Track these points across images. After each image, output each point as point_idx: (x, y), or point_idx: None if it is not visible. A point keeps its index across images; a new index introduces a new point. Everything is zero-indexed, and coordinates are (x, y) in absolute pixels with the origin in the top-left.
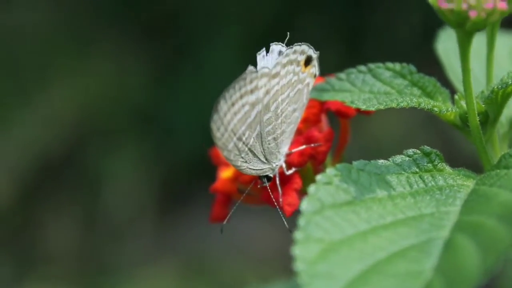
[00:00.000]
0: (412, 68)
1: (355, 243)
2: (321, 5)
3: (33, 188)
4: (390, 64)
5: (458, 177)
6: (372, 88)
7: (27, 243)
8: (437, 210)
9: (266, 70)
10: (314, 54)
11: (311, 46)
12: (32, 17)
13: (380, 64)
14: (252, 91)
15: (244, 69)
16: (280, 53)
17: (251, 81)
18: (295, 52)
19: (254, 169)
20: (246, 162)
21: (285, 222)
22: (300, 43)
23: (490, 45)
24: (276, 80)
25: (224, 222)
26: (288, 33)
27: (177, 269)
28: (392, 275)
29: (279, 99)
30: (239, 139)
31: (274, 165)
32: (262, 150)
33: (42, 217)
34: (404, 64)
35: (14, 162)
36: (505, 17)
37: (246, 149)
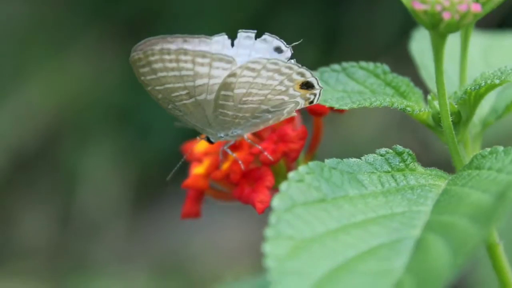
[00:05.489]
0: (386, 68)
1: (325, 241)
2: (301, 4)
3: (6, 183)
4: (363, 64)
5: (430, 177)
6: (345, 87)
7: None
8: (409, 210)
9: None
10: (318, 87)
11: (315, 76)
12: (8, 12)
13: (354, 63)
14: (228, 62)
15: None
16: (277, 49)
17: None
18: (290, 68)
19: (190, 122)
20: (180, 111)
21: None
22: (304, 66)
23: (463, 46)
24: (253, 74)
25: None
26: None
27: (151, 266)
28: (362, 273)
29: (251, 91)
30: (172, 94)
31: (217, 134)
32: (209, 114)
33: (15, 213)
34: (378, 64)
35: None
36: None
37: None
